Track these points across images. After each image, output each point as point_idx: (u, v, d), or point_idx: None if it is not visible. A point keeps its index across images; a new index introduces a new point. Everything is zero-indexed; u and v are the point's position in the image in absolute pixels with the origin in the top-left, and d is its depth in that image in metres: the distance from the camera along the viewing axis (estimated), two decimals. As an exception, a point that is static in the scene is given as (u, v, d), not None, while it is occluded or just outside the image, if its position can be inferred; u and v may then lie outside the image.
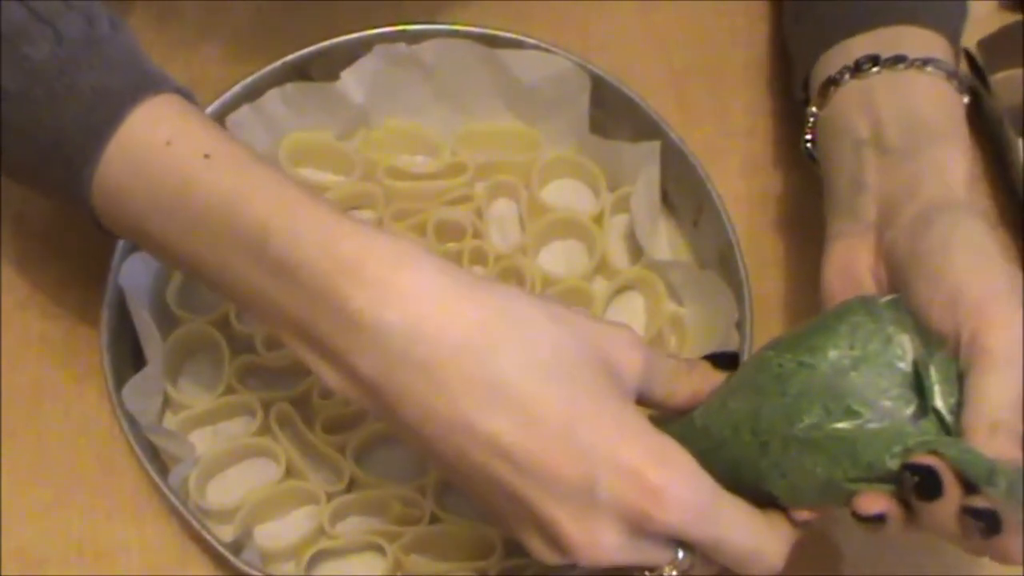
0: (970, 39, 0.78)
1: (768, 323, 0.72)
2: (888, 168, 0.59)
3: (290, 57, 0.74)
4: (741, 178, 0.78)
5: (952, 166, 0.57)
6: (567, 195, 0.76)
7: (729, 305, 0.68)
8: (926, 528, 0.50)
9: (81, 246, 0.74)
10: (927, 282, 0.53)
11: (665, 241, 0.76)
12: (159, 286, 0.70)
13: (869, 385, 0.51)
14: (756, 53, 0.81)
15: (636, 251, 0.74)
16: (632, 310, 0.74)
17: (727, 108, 0.80)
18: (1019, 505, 0.47)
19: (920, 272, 0.53)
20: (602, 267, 0.74)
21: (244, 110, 0.72)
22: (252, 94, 0.73)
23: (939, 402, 0.50)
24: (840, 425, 0.50)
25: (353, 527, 0.68)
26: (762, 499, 0.53)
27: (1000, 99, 0.77)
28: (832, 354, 0.51)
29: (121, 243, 0.69)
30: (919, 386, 0.50)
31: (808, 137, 0.65)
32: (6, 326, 0.73)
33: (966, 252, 0.53)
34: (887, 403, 0.50)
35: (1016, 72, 0.77)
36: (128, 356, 0.69)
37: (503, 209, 0.76)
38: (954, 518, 0.49)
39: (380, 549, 0.67)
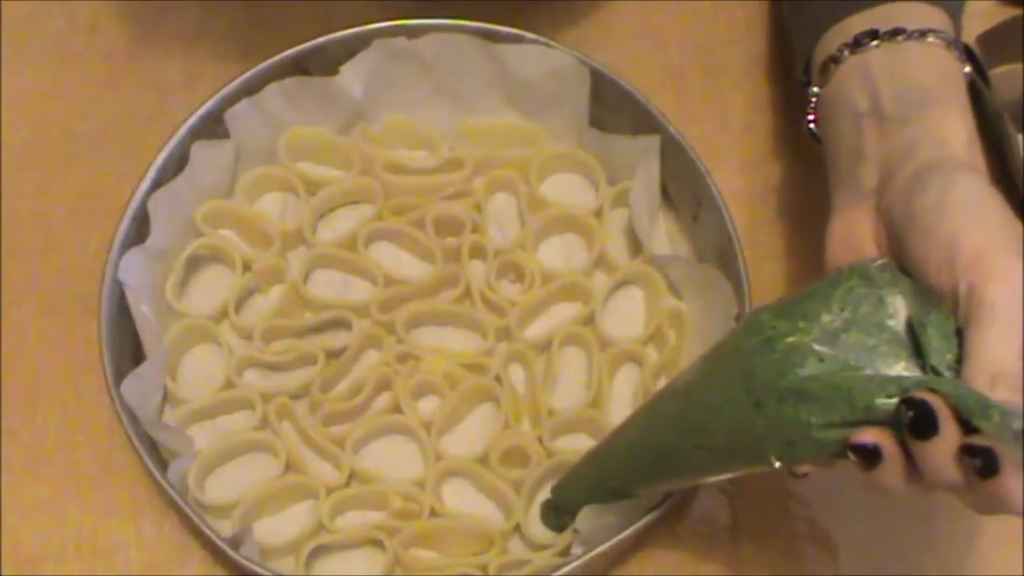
0: (970, 34, 0.78)
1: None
2: (885, 135, 0.59)
3: (289, 52, 0.74)
4: (740, 173, 0.78)
5: (948, 127, 0.57)
6: (566, 190, 0.76)
7: (729, 299, 0.68)
8: (926, 476, 0.50)
9: (80, 240, 0.74)
10: (923, 240, 0.53)
11: (664, 236, 0.76)
12: (158, 281, 0.70)
13: (860, 344, 0.51)
14: (755, 48, 0.82)
15: (635, 246, 0.74)
16: (631, 305, 0.74)
17: (727, 103, 0.80)
18: (1015, 443, 0.46)
19: (916, 231, 0.53)
20: (601, 262, 0.74)
21: (243, 105, 0.72)
22: (251, 89, 0.73)
23: (936, 359, 0.50)
24: (835, 372, 0.50)
25: (352, 522, 0.68)
26: (759, 464, 0.54)
27: (999, 94, 0.77)
28: (824, 318, 0.51)
29: (119, 237, 0.69)
30: (916, 346, 0.50)
31: (811, 118, 0.65)
32: (4, 322, 0.73)
33: (961, 208, 0.52)
34: (879, 361, 0.50)
35: (1016, 67, 0.77)
36: (127, 351, 0.69)
37: (502, 204, 0.76)
38: (951, 460, 0.48)
39: (379, 544, 0.67)
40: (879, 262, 0.54)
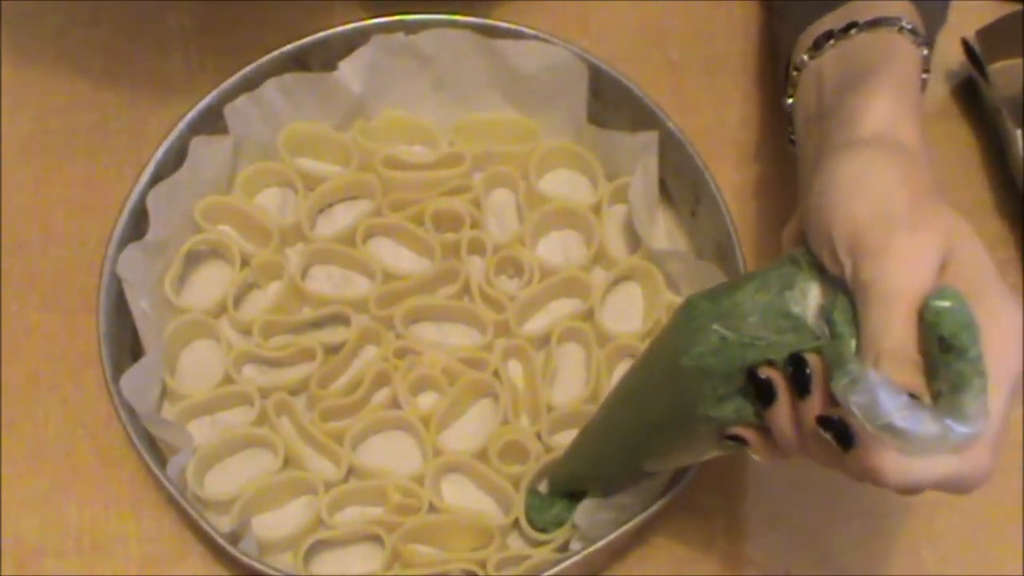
0: (969, 29, 0.78)
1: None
2: (815, 132, 0.58)
3: (288, 47, 0.74)
4: (739, 168, 0.78)
5: (859, 107, 0.55)
6: (565, 185, 0.76)
7: (727, 295, 0.68)
8: (806, 437, 0.49)
9: (79, 235, 0.74)
10: (812, 229, 0.52)
11: (663, 231, 0.76)
12: (157, 276, 0.70)
13: (766, 326, 0.50)
14: (754, 44, 0.82)
15: (634, 241, 0.74)
16: (630, 300, 0.74)
17: (725, 98, 0.80)
18: (857, 413, 0.46)
19: (807, 222, 0.52)
20: (600, 257, 0.74)
21: (242, 100, 0.72)
22: (250, 84, 0.73)
23: (843, 344, 0.50)
24: (734, 347, 0.50)
25: (351, 517, 0.68)
26: (694, 439, 0.54)
27: (998, 89, 0.77)
28: (737, 296, 0.51)
29: (118, 232, 0.69)
30: (830, 331, 0.50)
31: (790, 129, 0.64)
32: (4, 316, 0.73)
33: (837, 189, 0.51)
34: (783, 341, 0.50)
35: (1015, 62, 0.77)
36: (126, 346, 0.69)
37: (501, 199, 0.76)
38: (813, 426, 0.48)
39: (378, 539, 0.67)
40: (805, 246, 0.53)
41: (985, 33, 0.78)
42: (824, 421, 0.47)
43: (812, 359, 0.49)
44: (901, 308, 0.47)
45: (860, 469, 0.47)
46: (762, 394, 0.50)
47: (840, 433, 0.47)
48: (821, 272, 0.51)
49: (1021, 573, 0.69)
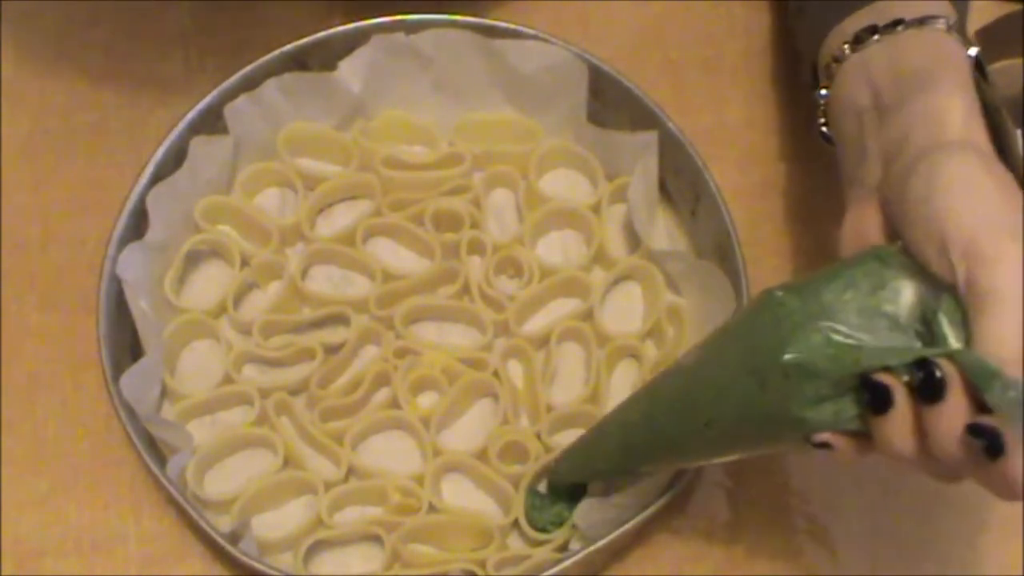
0: (969, 28, 0.78)
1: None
2: (883, 127, 0.58)
3: (288, 47, 0.74)
4: (739, 168, 0.78)
5: (940, 109, 0.56)
6: (565, 185, 0.76)
7: (727, 295, 0.68)
8: (932, 444, 0.49)
9: (78, 235, 0.74)
10: (918, 230, 0.52)
11: (663, 231, 0.76)
12: (157, 276, 0.70)
13: (863, 325, 0.50)
14: (754, 43, 0.81)
15: (634, 241, 0.74)
16: (630, 300, 0.74)
17: (725, 98, 0.80)
18: (1017, 417, 0.46)
19: (910, 223, 0.52)
20: (600, 257, 0.74)
21: (242, 100, 0.72)
22: (250, 84, 0.73)
23: (946, 346, 0.49)
24: (839, 346, 0.50)
25: (351, 517, 0.68)
26: (770, 441, 0.54)
27: (998, 89, 0.76)
28: (828, 297, 0.50)
29: (118, 232, 0.69)
30: (927, 332, 0.50)
31: (822, 120, 0.64)
32: (4, 316, 0.73)
33: (949, 193, 0.51)
34: (881, 340, 0.50)
35: (1015, 62, 0.77)
36: (126, 346, 0.69)
37: (501, 199, 0.76)
38: (957, 434, 0.48)
39: (378, 539, 0.67)
40: (897, 244, 0.53)
41: (985, 33, 0.78)
42: (976, 429, 0.47)
43: (945, 364, 0.48)
44: (1019, 317, 0.48)
45: (1004, 478, 0.47)
46: (877, 400, 0.49)
47: (992, 441, 0.47)
48: (911, 272, 0.51)
49: (1021, 573, 0.69)
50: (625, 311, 0.74)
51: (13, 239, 0.75)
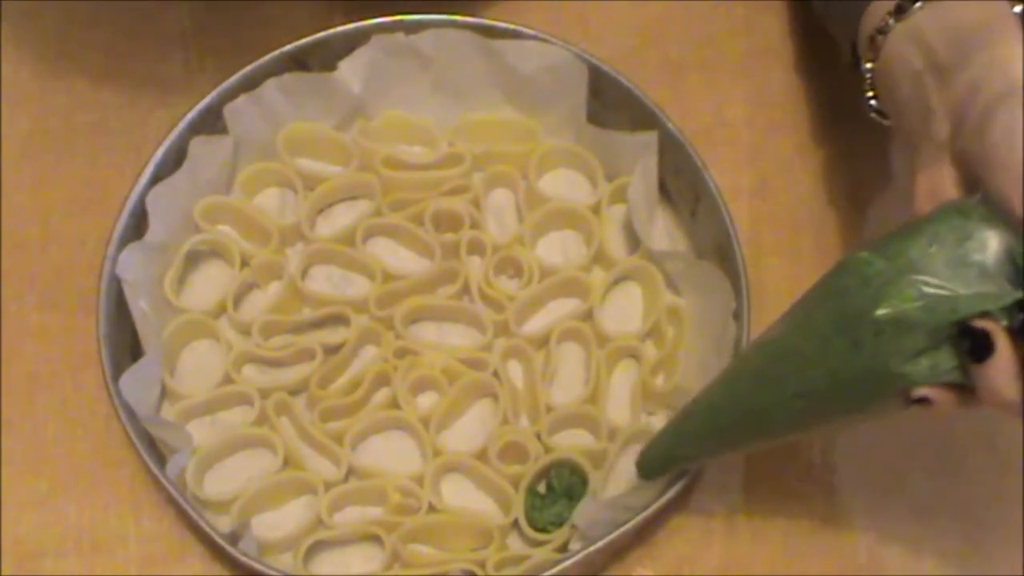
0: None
1: (766, 313, 0.71)
2: (947, 84, 0.58)
3: (288, 47, 0.74)
4: (739, 168, 0.78)
5: (1008, 56, 0.56)
6: (565, 185, 0.76)
7: (727, 295, 0.68)
8: None
9: (78, 235, 0.74)
10: (1000, 177, 0.52)
11: (663, 231, 0.76)
12: (156, 276, 0.70)
13: (952, 275, 0.51)
14: (754, 43, 0.81)
15: (634, 241, 0.74)
16: (630, 300, 0.74)
17: (725, 98, 0.80)
18: None
19: (991, 169, 0.53)
20: (600, 257, 0.74)
21: (242, 100, 0.72)
22: (250, 84, 0.73)
23: None
24: (933, 297, 0.50)
25: (351, 517, 0.68)
26: (868, 403, 0.54)
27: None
28: (914, 253, 0.51)
29: (118, 232, 0.69)
30: (1019, 278, 0.50)
31: (870, 95, 0.65)
32: (4, 316, 0.73)
33: None
34: (973, 289, 0.50)
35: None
36: (126, 346, 0.69)
37: (501, 199, 0.76)
38: None
39: (378, 539, 0.67)
40: (977, 196, 0.53)
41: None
42: None
43: None
44: None
45: None
46: (977, 347, 0.50)
47: None
48: (993, 221, 0.51)
49: (1021, 573, 0.69)
50: (625, 311, 0.74)
51: (13, 239, 0.75)
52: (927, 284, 0.51)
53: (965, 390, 0.52)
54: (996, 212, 0.52)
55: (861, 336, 0.52)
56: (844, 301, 0.53)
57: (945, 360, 0.51)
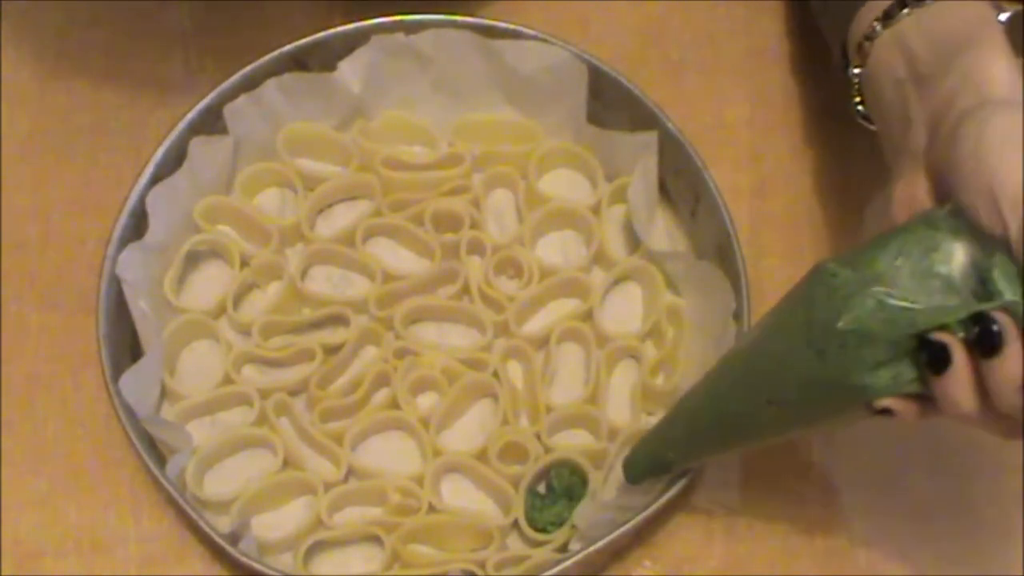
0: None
1: (766, 313, 0.72)
2: (926, 93, 0.59)
3: (288, 47, 0.74)
4: (739, 168, 0.78)
5: (984, 67, 0.56)
6: (564, 185, 0.76)
7: (727, 296, 0.68)
8: (993, 397, 0.50)
9: (78, 235, 0.74)
10: (968, 187, 0.52)
11: (663, 231, 0.76)
12: (156, 276, 0.70)
13: (916, 287, 0.51)
14: (754, 43, 0.81)
15: (634, 241, 0.74)
16: (630, 301, 0.74)
17: (725, 99, 0.80)
18: None
19: (959, 180, 0.53)
20: (600, 257, 0.74)
21: (242, 100, 0.72)
22: (250, 84, 0.73)
23: (1001, 301, 0.50)
24: (894, 309, 0.50)
25: (350, 518, 0.68)
26: (834, 413, 0.54)
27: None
28: (880, 265, 0.51)
29: (118, 232, 0.69)
30: (982, 292, 0.51)
31: (857, 99, 0.65)
32: (4, 316, 0.73)
33: (996, 149, 0.52)
34: (936, 302, 0.51)
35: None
36: (125, 346, 0.69)
37: (501, 199, 0.76)
38: (1017, 385, 0.49)
39: (378, 539, 0.67)
40: (946, 208, 0.53)
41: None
42: None
43: (1001, 317, 0.49)
44: None
45: None
46: (935, 359, 0.50)
47: None
48: (962, 233, 0.51)
49: (1021, 573, 0.69)
50: (625, 311, 0.74)
51: (13, 239, 0.75)
52: (890, 296, 0.51)
53: (927, 400, 0.52)
54: (965, 223, 0.52)
55: (826, 346, 0.52)
56: (811, 311, 0.53)
57: (906, 371, 0.51)
